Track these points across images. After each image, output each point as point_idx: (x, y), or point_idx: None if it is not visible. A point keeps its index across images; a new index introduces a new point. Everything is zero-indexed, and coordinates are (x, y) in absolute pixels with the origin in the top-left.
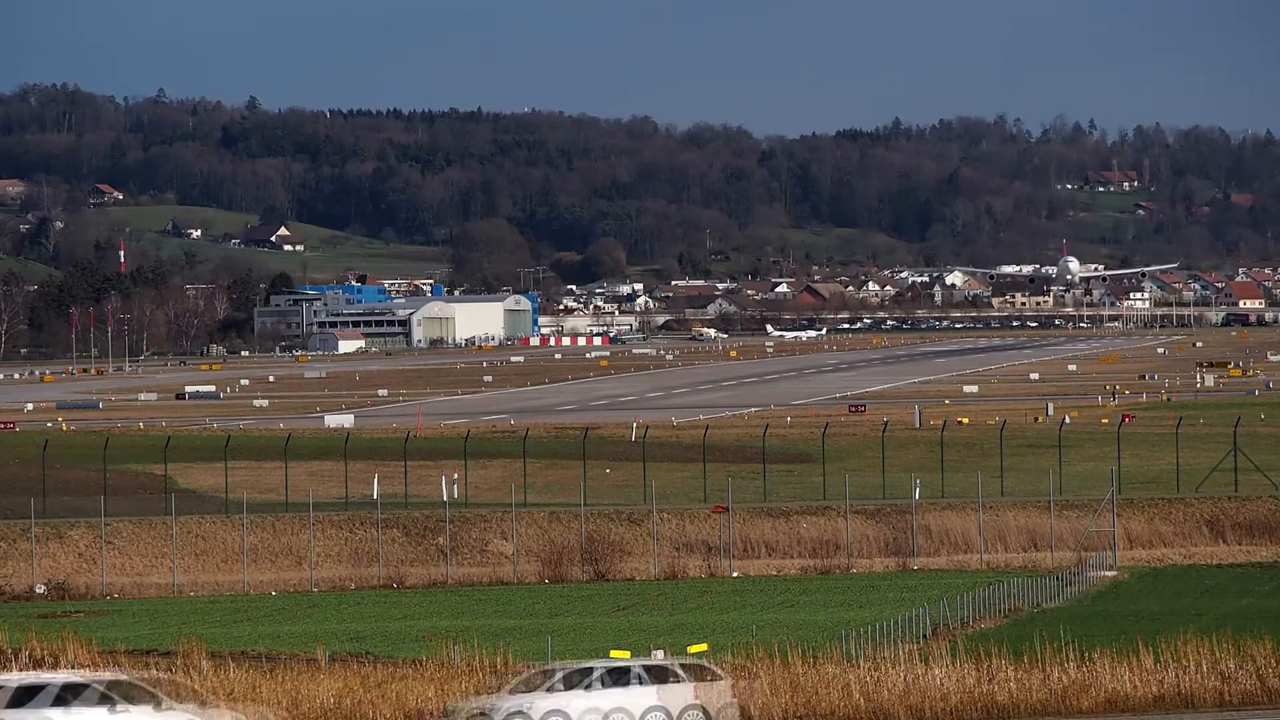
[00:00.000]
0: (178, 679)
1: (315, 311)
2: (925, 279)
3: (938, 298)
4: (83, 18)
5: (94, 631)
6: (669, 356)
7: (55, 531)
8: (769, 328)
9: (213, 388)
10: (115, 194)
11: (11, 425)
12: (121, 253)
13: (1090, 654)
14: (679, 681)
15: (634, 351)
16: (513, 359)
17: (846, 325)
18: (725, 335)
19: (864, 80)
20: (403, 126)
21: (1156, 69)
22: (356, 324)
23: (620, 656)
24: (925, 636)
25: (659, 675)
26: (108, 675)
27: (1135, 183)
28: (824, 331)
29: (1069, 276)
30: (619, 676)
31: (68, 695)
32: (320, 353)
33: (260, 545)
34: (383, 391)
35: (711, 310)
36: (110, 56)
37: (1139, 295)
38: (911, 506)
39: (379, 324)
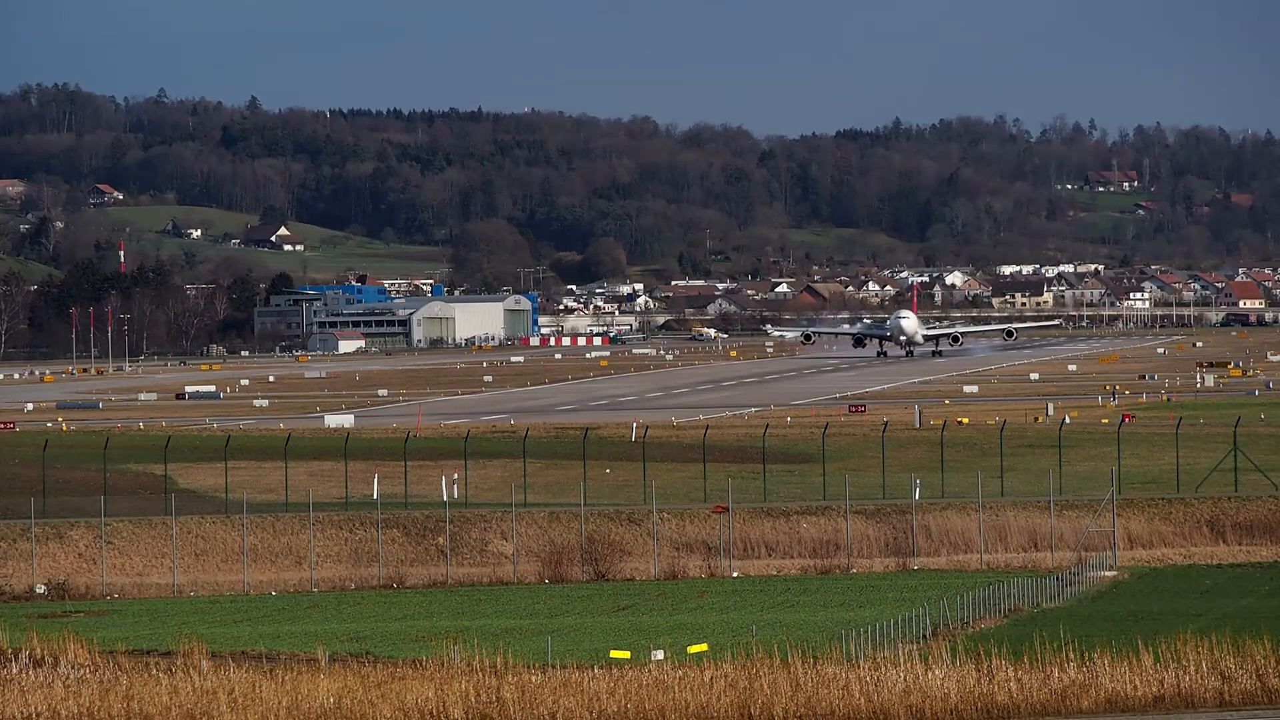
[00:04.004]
0: None
1: (315, 311)
2: (925, 279)
3: (938, 298)
4: (83, 18)
5: (94, 631)
6: (669, 356)
7: (55, 531)
8: (769, 328)
9: (213, 388)
10: (115, 194)
11: (11, 425)
12: (121, 253)
13: (1090, 654)
14: None
15: (634, 351)
16: (513, 359)
17: (847, 325)
18: (725, 335)
19: (864, 80)
20: (403, 126)
21: (1156, 69)
22: (356, 324)
23: (620, 656)
24: (925, 636)
25: None
26: None
27: (1135, 183)
28: None
29: (902, 338)
30: None
31: None
32: (320, 353)
33: (260, 545)
34: (383, 391)
35: (711, 310)
36: (110, 56)
37: (1139, 295)
38: (911, 506)
39: (379, 324)
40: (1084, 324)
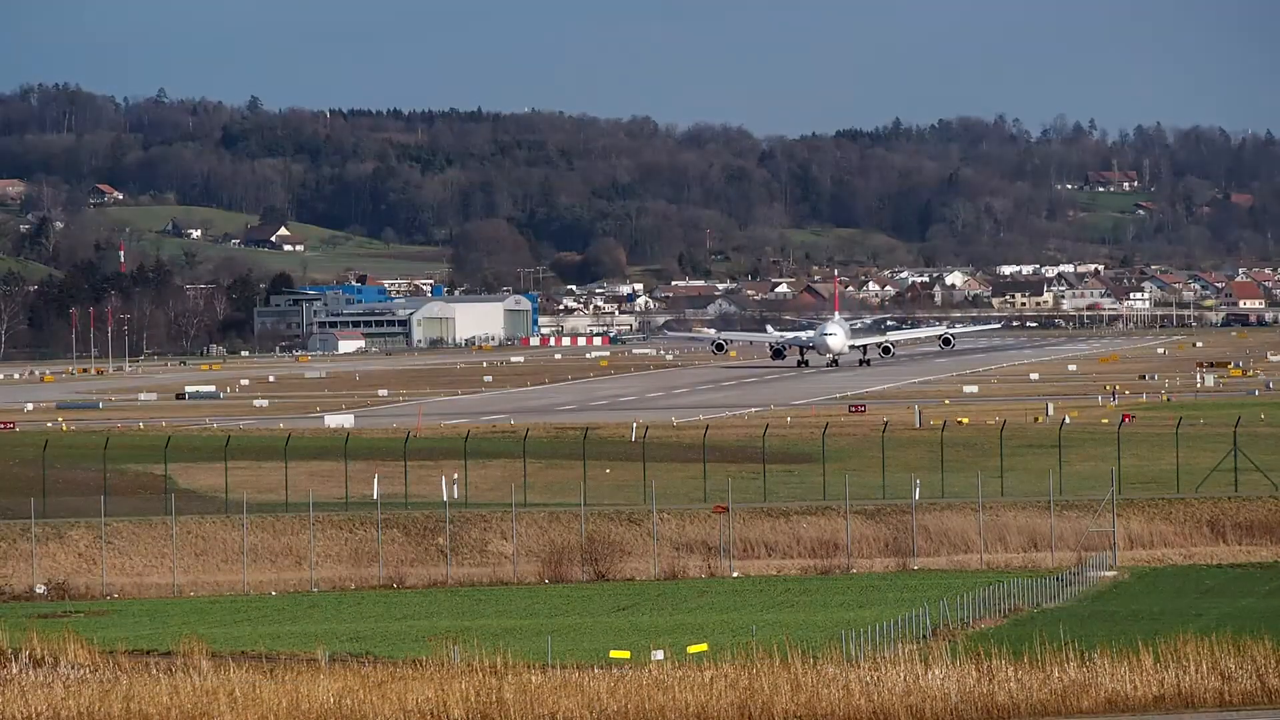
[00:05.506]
0: None
1: (315, 311)
2: (925, 279)
3: (938, 298)
4: (83, 18)
5: (94, 631)
6: (669, 356)
7: (55, 531)
8: (769, 328)
9: (213, 388)
10: (115, 194)
11: (11, 425)
12: (121, 253)
13: (1090, 654)
14: None
15: (634, 351)
16: (513, 359)
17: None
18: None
19: (864, 80)
20: (403, 126)
21: (1156, 69)
22: (356, 324)
23: (620, 656)
24: (925, 636)
25: None
26: None
27: (1135, 183)
28: None
29: (828, 356)
30: None
31: None
32: (320, 353)
33: (260, 545)
34: (383, 391)
35: (711, 310)
36: (110, 56)
37: (1139, 295)
38: (911, 506)
39: (379, 324)
40: (1074, 324)
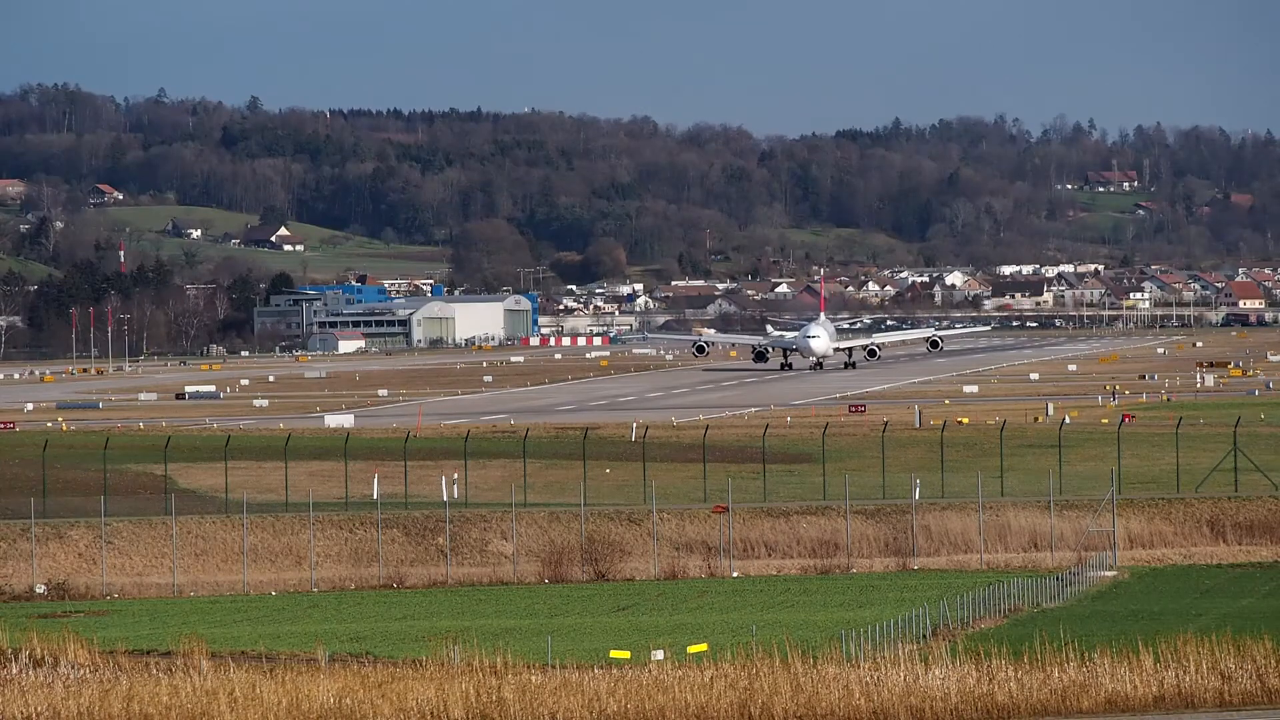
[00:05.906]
0: None
1: (315, 311)
2: (925, 279)
3: (938, 298)
4: (83, 18)
5: (94, 631)
6: (669, 357)
7: (55, 531)
8: (769, 328)
9: (213, 388)
10: (115, 194)
11: (11, 425)
12: (121, 253)
13: (1090, 654)
14: None
15: (634, 351)
16: (513, 359)
17: (846, 325)
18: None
19: (864, 80)
20: (403, 126)
21: (1156, 69)
22: (356, 324)
23: (620, 656)
24: (925, 636)
25: None
26: None
27: (1135, 183)
28: None
29: (812, 359)
30: None
31: None
32: (320, 353)
33: (260, 545)
34: (383, 391)
35: (711, 310)
36: (110, 56)
37: (1139, 295)
38: (911, 506)
39: (379, 324)
40: (1074, 324)
